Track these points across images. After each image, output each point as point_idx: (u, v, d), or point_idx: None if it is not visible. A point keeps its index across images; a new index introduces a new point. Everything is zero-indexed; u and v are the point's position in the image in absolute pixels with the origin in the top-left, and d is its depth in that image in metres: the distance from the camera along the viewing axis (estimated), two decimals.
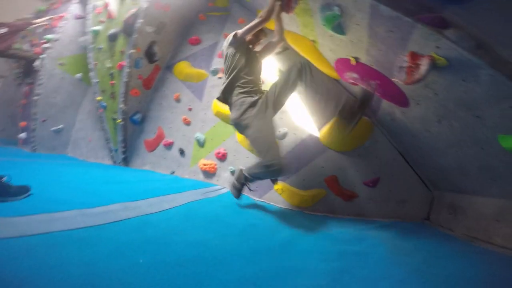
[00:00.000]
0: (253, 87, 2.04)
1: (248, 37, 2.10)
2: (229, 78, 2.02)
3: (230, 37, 2.05)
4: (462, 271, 1.24)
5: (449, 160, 1.86)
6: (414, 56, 1.41)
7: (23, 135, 4.45)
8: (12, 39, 4.49)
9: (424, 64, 1.34)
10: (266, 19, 1.98)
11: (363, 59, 1.91)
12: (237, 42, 2.03)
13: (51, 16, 4.78)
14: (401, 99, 1.79)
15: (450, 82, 1.37)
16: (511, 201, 1.57)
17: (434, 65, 1.33)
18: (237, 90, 2.02)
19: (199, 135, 3.19)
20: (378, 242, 1.74)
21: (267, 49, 2.27)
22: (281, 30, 2.18)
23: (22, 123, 4.51)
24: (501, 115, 1.29)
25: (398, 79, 1.51)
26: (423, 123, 1.83)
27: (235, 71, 2.00)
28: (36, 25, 4.75)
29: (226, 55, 2.07)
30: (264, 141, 1.90)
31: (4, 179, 1.59)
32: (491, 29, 1.12)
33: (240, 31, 2.02)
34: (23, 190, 1.65)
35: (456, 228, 1.95)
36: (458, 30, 1.20)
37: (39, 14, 5.14)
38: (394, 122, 2.16)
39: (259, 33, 2.18)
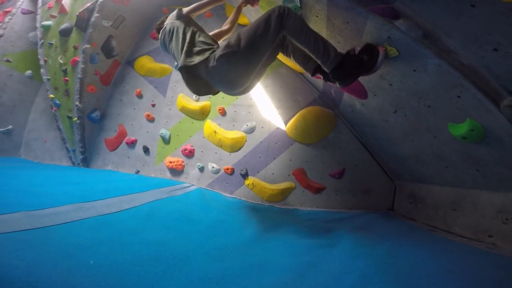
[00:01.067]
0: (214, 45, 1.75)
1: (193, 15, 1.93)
2: (187, 42, 1.71)
3: (174, 13, 1.91)
4: (424, 262, 1.28)
5: (406, 149, 1.95)
6: None
7: None
8: None
9: (378, 55, 1.37)
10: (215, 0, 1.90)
11: None
12: (184, 17, 1.87)
13: None
14: (360, 91, 1.85)
15: (402, 73, 1.43)
16: (465, 189, 1.66)
17: (387, 56, 1.37)
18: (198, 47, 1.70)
19: (164, 132, 3.08)
20: (344, 233, 1.77)
21: (216, 37, 2.15)
22: (234, 21, 2.12)
23: None
24: (449, 104, 1.35)
25: None
26: (381, 114, 1.90)
27: (191, 37, 1.74)
28: None
29: (171, 30, 1.85)
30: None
31: None
32: (436, 19, 1.16)
33: (186, 8, 1.89)
34: None
35: (418, 218, 2.04)
36: (407, 20, 1.23)
37: None
38: (355, 114, 2.23)
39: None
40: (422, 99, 1.48)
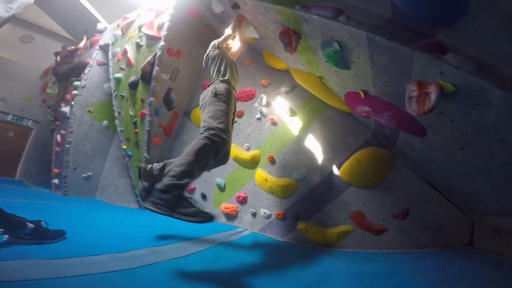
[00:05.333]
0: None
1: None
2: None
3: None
4: None
5: (480, 186, 1.74)
6: (421, 85, 1.39)
7: (56, 181, 4.66)
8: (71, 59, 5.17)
9: (432, 92, 1.32)
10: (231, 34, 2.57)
11: (372, 91, 1.92)
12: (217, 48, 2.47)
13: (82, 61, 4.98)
14: (417, 129, 1.77)
15: (463, 108, 1.35)
16: None
17: (442, 92, 1.31)
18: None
19: (220, 180, 3.26)
20: (414, 274, 1.60)
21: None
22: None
23: (55, 170, 4.69)
24: None
25: (411, 110, 1.46)
26: (445, 151, 1.78)
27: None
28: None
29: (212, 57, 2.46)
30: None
31: (42, 223, 1.71)
32: (488, 48, 1.09)
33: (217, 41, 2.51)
34: (59, 234, 1.77)
35: (506, 252, 1.76)
36: (457, 54, 1.18)
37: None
38: (415, 152, 2.12)
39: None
40: (492, 134, 1.36)
